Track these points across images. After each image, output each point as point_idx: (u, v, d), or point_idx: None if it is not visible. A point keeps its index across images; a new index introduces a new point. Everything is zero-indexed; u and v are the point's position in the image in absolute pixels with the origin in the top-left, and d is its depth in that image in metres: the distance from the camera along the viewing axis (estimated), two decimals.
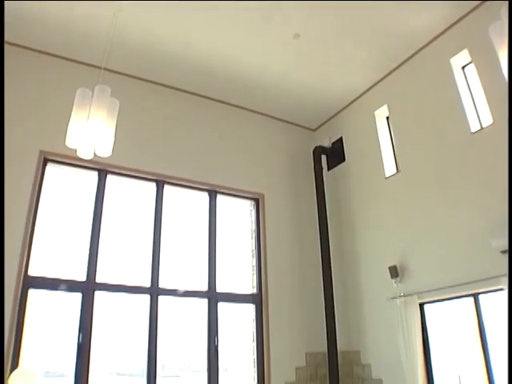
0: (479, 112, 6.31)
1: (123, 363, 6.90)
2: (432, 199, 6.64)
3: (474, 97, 6.44)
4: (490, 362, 5.68)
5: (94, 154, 3.95)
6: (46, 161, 6.55)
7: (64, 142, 3.88)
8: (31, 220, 6.18)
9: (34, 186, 6.27)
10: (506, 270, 5.04)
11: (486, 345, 5.72)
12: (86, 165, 6.71)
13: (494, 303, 5.80)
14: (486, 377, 5.66)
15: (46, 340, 6.21)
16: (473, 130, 6.20)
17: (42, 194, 6.42)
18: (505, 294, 5.19)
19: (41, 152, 6.44)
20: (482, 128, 6.14)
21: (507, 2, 3.99)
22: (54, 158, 6.59)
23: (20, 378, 5.27)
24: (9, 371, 5.47)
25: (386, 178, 7.56)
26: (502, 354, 5.60)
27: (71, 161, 6.58)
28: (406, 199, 7.11)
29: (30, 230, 6.12)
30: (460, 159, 6.29)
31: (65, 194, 6.76)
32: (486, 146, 5.94)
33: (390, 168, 7.62)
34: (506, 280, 5.11)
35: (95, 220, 6.72)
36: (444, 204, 6.43)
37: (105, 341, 6.50)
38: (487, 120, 6.05)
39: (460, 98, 6.44)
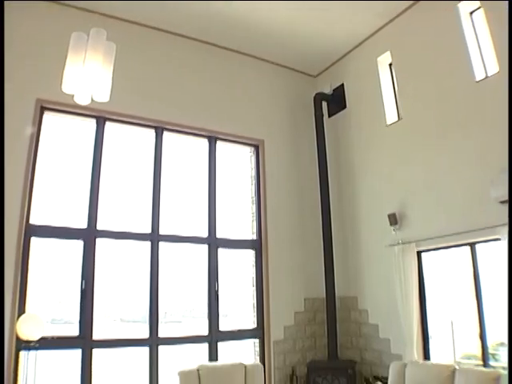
0: (485, 60, 6.13)
1: (126, 310, 7.08)
2: (432, 148, 6.60)
3: (480, 44, 6.24)
4: (482, 310, 5.82)
5: (92, 99, 3.87)
6: (43, 109, 6.45)
7: (61, 89, 3.80)
8: (30, 169, 6.17)
9: (31, 134, 6.22)
10: (503, 220, 5.08)
11: (480, 293, 5.85)
12: (84, 112, 6.62)
13: (490, 253, 5.88)
14: (478, 324, 5.81)
15: (50, 287, 6.36)
16: (477, 79, 6.07)
17: (41, 142, 6.37)
18: (502, 243, 5.25)
19: (37, 100, 6.33)
20: (486, 76, 6.00)
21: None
22: (51, 106, 6.49)
23: (27, 322, 5.42)
24: (16, 316, 5.64)
25: (387, 125, 7.48)
26: (495, 302, 5.74)
27: (68, 108, 6.48)
28: (407, 147, 7.07)
29: (29, 179, 6.12)
30: (463, 108, 6.20)
31: (64, 143, 6.72)
32: (490, 95, 5.82)
33: (391, 116, 7.53)
34: (503, 230, 5.16)
35: (95, 168, 6.70)
36: (444, 153, 6.40)
37: (107, 288, 6.65)
38: (493, 68, 5.90)
39: (466, 45, 6.25)
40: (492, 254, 5.81)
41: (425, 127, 6.77)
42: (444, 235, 6.15)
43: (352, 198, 8.09)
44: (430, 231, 6.38)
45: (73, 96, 3.83)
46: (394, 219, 6.93)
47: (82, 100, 3.84)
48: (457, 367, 5.08)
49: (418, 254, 6.68)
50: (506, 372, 4.66)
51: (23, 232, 5.93)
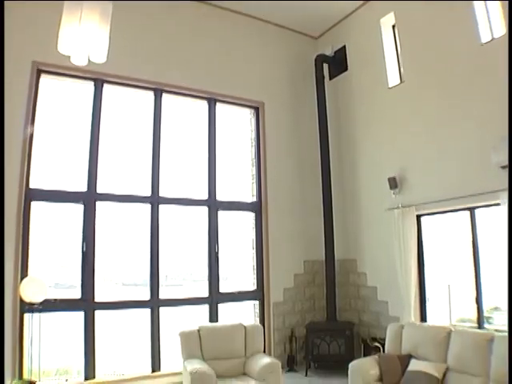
0: (491, 21, 5.94)
1: (128, 274, 7.15)
2: (434, 111, 6.53)
3: (487, 5, 6.04)
4: (479, 275, 5.88)
5: (88, 60, 3.78)
6: (39, 72, 6.33)
7: (57, 52, 3.71)
8: (28, 133, 6.11)
9: (28, 98, 6.12)
10: (503, 185, 5.06)
11: (478, 258, 5.91)
12: (81, 74, 6.53)
13: (489, 218, 5.89)
14: (475, 288, 5.88)
15: (52, 251, 6.41)
16: (483, 41, 5.92)
17: (39, 106, 6.28)
18: (501, 209, 5.24)
19: (33, 63, 6.20)
20: (493, 39, 5.85)
21: None
22: (47, 69, 6.37)
23: (30, 285, 5.49)
24: (19, 279, 5.71)
25: (388, 88, 7.38)
26: (492, 267, 5.79)
27: (65, 71, 6.37)
28: (408, 110, 6.99)
29: (28, 143, 6.08)
30: (467, 71, 6.09)
31: (62, 106, 6.63)
32: (495, 58, 5.67)
33: (393, 78, 7.40)
34: (503, 195, 5.16)
35: (93, 131, 6.64)
36: (446, 117, 6.34)
37: (109, 251, 6.70)
38: (499, 30, 5.74)
39: (473, 5, 6.07)
40: (491, 219, 5.83)
41: (427, 90, 6.67)
42: (444, 199, 6.16)
43: (352, 162, 8.07)
44: (430, 195, 6.38)
45: (69, 57, 3.74)
46: (394, 183, 6.92)
47: (79, 61, 3.75)
48: (452, 329, 5.15)
49: (418, 217, 6.70)
50: (499, 334, 4.72)
51: (23, 196, 5.94)
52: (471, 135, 5.93)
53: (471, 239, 5.98)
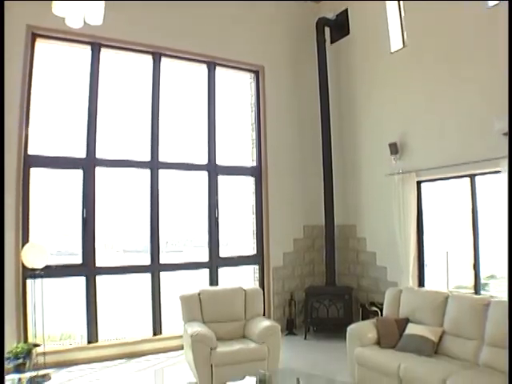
0: None
1: (128, 241, 7.20)
2: (437, 77, 6.42)
3: None
4: (478, 241, 5.91)
5: (84, 22, 3.69)
6: (34, 36, 6.19)
7: (51, 15, 3.61)
8: (26, 99, 6.05)
9: (24, 63, 6.02)
10: (505, 153, 5.01)
11: (477, 225, 5.93)
12: (78, 38, 6.39)
13: (489, 185, 5.88)
14: (473, 254, 5.92)
15: (52, 218, 6.44)
16: (490, 4, 5.74)
17: (35, 72, 6.18)
18: (502, 176, 5.23)
19: (28, 26, 6.07)
20: (499, 3, 5.64)
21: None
22: (42, 33, 6.23)
23: (31, 251, 5.53)
24: (20, 246, 5.75)
25: (391, 52, 7.24)
26: (491, 235, 5.81)
27: (61, 35, 6.24)
28: (410, 76, 6.88)
29: (25, 110, 6.03)
30: (472, 36, 5.93)
31: (59, 72, 6.52)
32: (501, 22, 5.43)
33: (395, 43, 7.24)
34: (504, 162, 5.12)
35: (91, 96, 6.57)
36: (449, 82, 6.23)
37: (109, 218, 6.73)
38: None
39: None
40: (491, 187, 5.82)
41: (430, 55, 6.54)
42: (444, 166, 6.14)
43: (353, 127, 8.00)
44: (431, 161, 6.36)
45: (64, 19, 3.65)
46: (394, 148, 6.88)
47: (74, 23, 3.66)
48: (450, 294, 5.21)
49: (418, 184, 6.70)
50: (496, 299, 4.78)
51: (22, 163, 5.92)
52: (474, 101, 5.84)
53: (471, 207, 5.99)
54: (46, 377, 5.50)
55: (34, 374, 5.42)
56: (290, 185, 8.08)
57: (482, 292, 5.87)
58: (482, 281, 5.97)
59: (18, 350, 5.28)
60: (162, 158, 7.04)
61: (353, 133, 8.00)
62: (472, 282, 5.97)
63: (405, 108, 6.94)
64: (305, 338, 7.30)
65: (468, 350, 4.65)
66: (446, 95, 6.25)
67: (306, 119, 8.31)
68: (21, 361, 5.25)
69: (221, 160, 7.59)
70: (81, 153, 6.46)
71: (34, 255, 5.51)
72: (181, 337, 5.89)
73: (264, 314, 6.41)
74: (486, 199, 5.91)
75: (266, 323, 5.61)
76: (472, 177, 5.97)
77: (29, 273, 5.62)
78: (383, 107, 7.36)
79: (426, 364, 4.53)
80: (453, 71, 6.18)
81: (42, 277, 5.59)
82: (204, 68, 7.61)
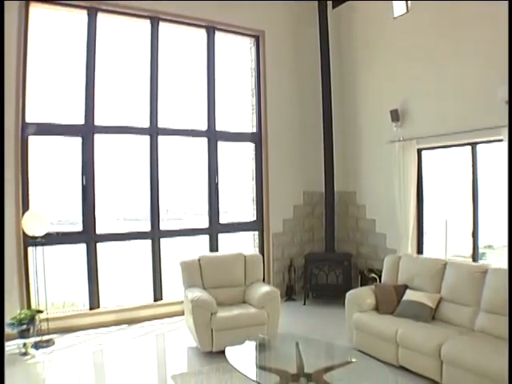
0: None
1: (129, 209, 7.22)
2: (440, 43, 6.28)
3: None
4: (477, 210, 5.92)
5: None
6: (28, 1, 6.00)
7: None
8: (22, 66, 5.93)
9: (19, 29, 5.88)
10: (506, 121, 4.95)
11: (477, 194, 5.93)
12: (73, 3, 6.24)
13: (490, 154, 5.85)
14: (472, 222, 5.94)
15: (52, 186, 6.43)
16: None
17: (30, 38, 6.02)
18: (503, 145, 5.19)
19: None
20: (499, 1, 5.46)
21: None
22: None
23: (31, 219, 5.55)
24: (21, 214, 5.77)
25: (394, 18, 7.05)
26: (490, 204, 5.81)
27: None
28: (413, 42, 6.73)
29: (21, 77, 5.92)
30: (478, 2, 5.70)
31: (55, 38, 6.37)
32: None
33: (399, 7, 7.02)
34: (505, 131, 5.06)
35: (89, 62, 6.44)
36: (452, 49, 6.11)
37: (109, 186, 6.72)
38: None
39: None
40: (492, 155, 5.78)
41: (433, 20, 6.38)
42: (446, 133, 6.08)
43: (354, 93, 7.91)
44: (432, 129, 6.30)
45: None
46: (395, 115, 6.82)
47: None
48: (448, 261, 5.25)
49: (419, 151, 6.66)
50: (493, 267, 4.82)
51: (20, 131, 5.87)
52: (477, 69, 5.74)
53: (471, 175, 5.96)
54: (49, 342, 5.63)
55: (38, 339, 5.55)
56: (290, 151, 8.04)
57: (479, 261, 5.92)
58: (480, 250, 6.00)
59: (22, 317, 5.39)
60: (161, 125, 6.97)
61: (354, 99, 7.91)
62: (470, 252, 6.00)
63: (407, 74, 6.83)
64: (304, 303, 7.40)
65: (464, 316, 4.75)
66: (449, 61, 6.14)
67: (307, 84, 8.18)
68: (25, 327, 5.36)
69: (221, 126, 7.52)
70: (79, 120, 6.38)
71: (34, 223, 5.54)
72: (181, 303, 5.96)
73: (264, 280, 6.46)
74: (487, 168, 5.88)
75: (265, 288, 5.67)
76: (473, 145, 5.92)
77: (30, 241, 5.65)
78: (385, 73, 7.25)
79: (423, 329, 4.64)
80: (457, 37, 6.04)
81: (42, 244, 5.63)
82: (203, 33, 7.45)
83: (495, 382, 3.69)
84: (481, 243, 6.00)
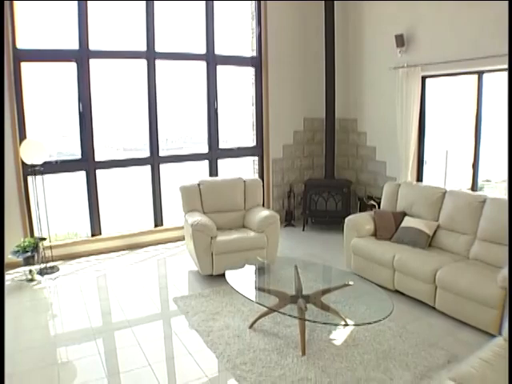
0: None
1: (128, 139, 7.15)
2: None
3: None
4: (479, 141, 5.85)
5: None
6: None
7: None
8: None
9: None
10: None
11: (480, 124, 5.81)
12: None
13: (497, 84, 5.69)
14: (473, 153, 5.89)
15: (51, 117, 6.31)
16: None
17: None
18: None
19: None
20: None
21: None
22: None
23: (29, 147, 5.49)
24: (18, 143, 5.72)
25: None
26: (493, 136, 5.74)
27: None
28: None
29: None
30: None
31: None
32: None
33: None
34: None
35: None
36: None
37: (107, 114, 6.60)
38: None
39: None
40: (498, 86, 5.62)
41: None
42: (452, 60, 5.86)
43: (358, 16, 7.58)
44: (438, 56, 6.07)
45: None
46: (400, 41, 6.56)
47: None
48: (447, 189, 5.26)
49: (423, 79, 6.45)
50: (491, 197, 4.84)
51: (11, 57, 5.64)
52: None
53: (475, 106, 5.80)
54: (54, 268, 5.81)
55: (42, 266, 5.71)
56: (291, 76, 7.83)
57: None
58: (479, 183, 6.01)
59: (26, 244, 5.51)
60: (158, 48, 6.73)
61: (358, 22, 7.59)
62: (469, 184, 6.00)
63: None
64: (303, 229, 7.53)
65: (460, 244, 4.88)
66: None
67: (309, 9, 7.80)
68: (29, 254, 5.50)
69: (220, 49, 7.27)
70: (73, 44, 6.13)
71: (32, 151, 5.47)
72: (182, 228, 6.06)
73: (263, 206, 6.53)
74: (492, 99, 5.73)
75: (265, 213, 5.73)
76: (480, 74, 5.71)
77: (29, 169, 5.63)
78: None
79: (419, 255, 4.76)
80: None
81: (42, 173, 5.62)
82: None
83: (485, 305, 3.92)
84: (480, 176, 5.99)
